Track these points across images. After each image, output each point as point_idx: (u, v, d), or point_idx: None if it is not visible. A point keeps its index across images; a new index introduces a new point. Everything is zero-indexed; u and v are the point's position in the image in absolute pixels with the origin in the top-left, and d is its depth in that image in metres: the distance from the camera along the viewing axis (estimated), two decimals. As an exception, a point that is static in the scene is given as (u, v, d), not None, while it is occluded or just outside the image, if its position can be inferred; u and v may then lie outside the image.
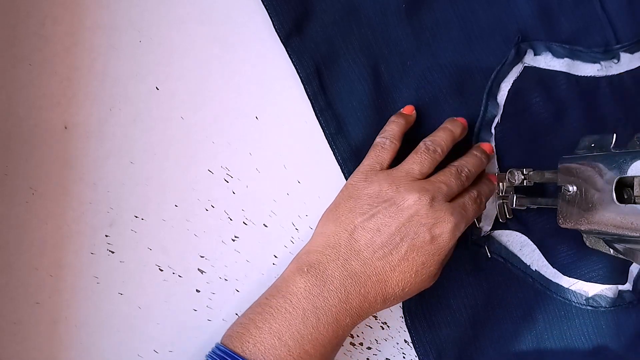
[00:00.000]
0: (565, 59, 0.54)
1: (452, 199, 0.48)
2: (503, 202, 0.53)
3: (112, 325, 0.52)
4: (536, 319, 0.54)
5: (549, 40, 0.54)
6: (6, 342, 0.50)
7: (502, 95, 0.54)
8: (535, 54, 0.54)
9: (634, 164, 0.40)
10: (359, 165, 0.50)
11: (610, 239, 0.44)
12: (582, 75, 0.54)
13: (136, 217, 0.52)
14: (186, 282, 0.53)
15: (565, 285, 0.53)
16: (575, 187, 0.44)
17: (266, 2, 0.52)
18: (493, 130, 0.54)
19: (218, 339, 0.46)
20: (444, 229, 0.46)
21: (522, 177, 0.51)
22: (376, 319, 0.55)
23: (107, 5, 0.51)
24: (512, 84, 0.54)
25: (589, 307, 0.52)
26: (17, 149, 0.50)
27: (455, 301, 0.54)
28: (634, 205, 0.40)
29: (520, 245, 0.54)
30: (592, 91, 0.54)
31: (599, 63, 0.54)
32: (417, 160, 0.49)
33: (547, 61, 0.54)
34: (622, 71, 0.54)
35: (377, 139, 0.51)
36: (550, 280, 0.54)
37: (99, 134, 0.51)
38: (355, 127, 0.54)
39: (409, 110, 0.53)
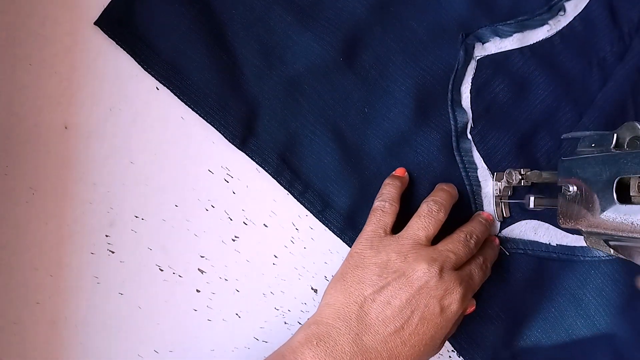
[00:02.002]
0: (515, 34, 0.54)
1: (460, 266, 0.48)
2: (501, 202, 0.54)
3: (112, 325, 0.52)
4: (571, 286, 0.54)
5: (493, 23, 0.53)
6: (6, 342, 0.50)
7: (465, 99, 0.54)
8: (483, 43, 0.54)
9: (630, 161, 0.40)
10: (359, 232, 0.49)
11: (611, 239, 0.45)
12: (535, 42, 0.54)
13: (136, 217, 0.52)
14: (186, 282, 0.53)
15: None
16: (575, 187, 0.44)
17: (210, 120, 0.52)
18: (470, 136, 0.54)
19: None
20: (453, 299, 0.45)
21: (520, 177, 0.51)
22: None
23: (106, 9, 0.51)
24: (471, 83, 0.54)
25: (620, 255, 0.51)
26: (17, 149, 0.50)
27: (492, 308, 0.54)
28: (634, 205, 0.40)
29: (534, 230, 0.54)
30: (548, 53, 0.54)
31: (547, 23, 0.54)
32: (422, 226, 0.48)
33: (497, 45, 0.54)
34: (570, 20, 0.54)
35: (377, 203, 0.50)
36: (575, 247, 0.53)
37: (99, 134, 0.51)
38: (340, 197, 0.53)
39: (401, 172, 0.53)
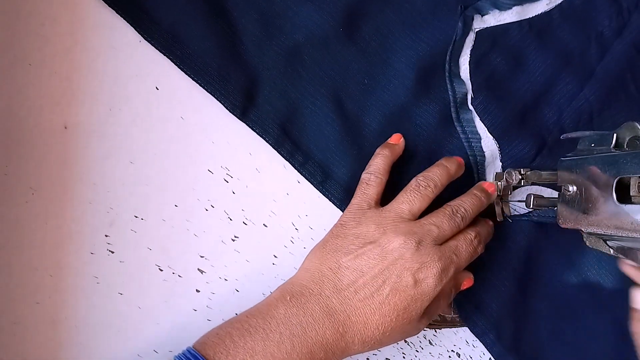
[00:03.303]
0: (514, 7, 0.54)
1: (444, 241, 0.47)
2: (501, 202, 0.54)
3: (112, 325, 0.52)
4: (572, 254, 0.54)
5: None
6: (6, 342, 0.50)
7: (464, 70, 0.54)
8: (482, 15, 0.54)
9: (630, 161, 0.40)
10: None
11: (611, 239, 0.45)
12: (534, 15, 0.54)
13: (136, 217, 0.52)
14: (186, 282, 0.53)
15: None
16: (575, 187, 0.44)
17: (210, 90, 0.51)
18: (471, 107, 0.53)
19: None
20: (429, 274, 0.45)
21: (520, 177, 0.51)
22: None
23: (107, 6, 0.51)
24: (470, 55, 0.53)
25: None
26: (17, 149, 0.50)
27: (496, 277, 0.53)
28: (634, 205, 0.40)
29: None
30: (547, 27, 0.54)
31: None
32: (407, 199, 0.48)
33: (496, 17, 0.54)
34: None
35: (363, 175, 0.50)
36: None
37: (99, 134, 0.51)
38: (339, 168, 0.53)
39: (395, 139, 0.52)
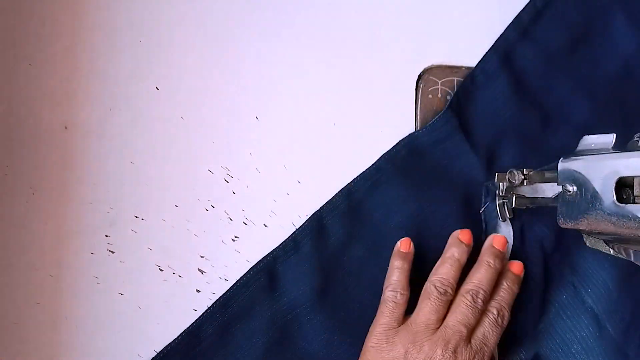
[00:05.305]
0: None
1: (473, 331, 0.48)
2: (503, 202, 0.53)
3: (112, 325, 0.52)
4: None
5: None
6: (6, 342, 0.50)
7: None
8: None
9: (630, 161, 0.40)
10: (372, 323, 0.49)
11: (611, 239, 0.44)
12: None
13: (136, 217, 0.52)
14: (186, 282, 0.53)
15: None
16: (575, 187, 0.44)
17: None
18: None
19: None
20: None
21: (522, 177, 0.51)
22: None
23: (107, 6, 0.51)
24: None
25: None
26: (17, 149, 0.50)
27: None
28: (634, 205, 0.40)
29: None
30: None
31: None
32: (433, 309, 0.48)
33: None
34: None
35: (387, 293, 0.49)
36: None
37: (99, 134, 0.51)
38: None
39: (405, 246, 0.52)
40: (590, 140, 0.45)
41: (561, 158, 0.46)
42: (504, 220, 0.54)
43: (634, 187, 0.40)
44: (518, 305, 0.52)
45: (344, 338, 0.52)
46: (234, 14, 0.53)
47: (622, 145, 0.43)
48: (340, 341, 0.52)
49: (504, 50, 0.55)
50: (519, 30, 0.56)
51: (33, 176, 0.51)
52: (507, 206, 0.53)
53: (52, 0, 0.51)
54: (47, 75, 0.51)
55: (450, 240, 0.52)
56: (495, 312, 0.49)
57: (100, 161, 0.51)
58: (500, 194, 0.53)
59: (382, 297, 0.50)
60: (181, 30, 0.53)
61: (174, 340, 0.51)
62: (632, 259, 0.43)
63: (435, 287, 0.48)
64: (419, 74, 0.56)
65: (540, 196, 0.53)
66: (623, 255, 0.44)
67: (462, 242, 0.51)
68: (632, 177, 0.40)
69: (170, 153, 0.52)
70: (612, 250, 0.45)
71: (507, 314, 0.49)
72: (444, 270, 0.49)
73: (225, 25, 0.53)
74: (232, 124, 0.53)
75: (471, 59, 0.56)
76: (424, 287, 0.49)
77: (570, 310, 0.54)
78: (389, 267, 0.51)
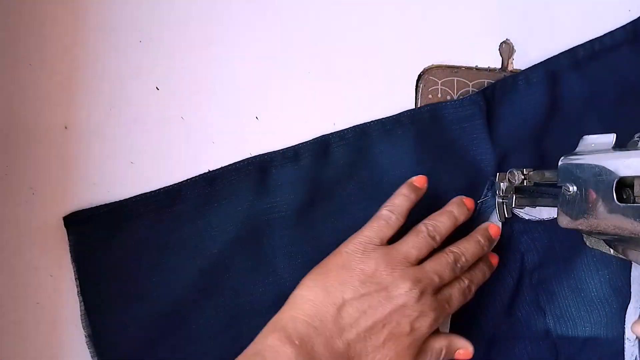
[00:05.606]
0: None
1: (440, 287, 0.48)
2: (503, 202, 0.53)
3: (112, 325, 0.52)
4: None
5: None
6: (6, 342, 0.50)
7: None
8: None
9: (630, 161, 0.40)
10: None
11: (611, 239, 0.44)
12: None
13: (136, 217, 0.52)
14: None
15: None
16: (575, 187, 0.44)
17: None
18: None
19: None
20: (424, 323, 0.46)
21: (522, 177, 0.51)
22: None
23: (107, 6, 0.51)
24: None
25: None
26: (17, 149, 0.50)
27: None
28: (634, 205, 0.40)
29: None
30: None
31: None
32: (417, 245, 0.48)
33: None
34: None
35: (384, 211, 0.49)
36: None
37: (99, 134, 0.51)
38: None
39: (420, 182, 0.51)
40: (590, 140, 0.45)
41: (561, 158, 0.46)
42: (501, 220, 0.54)
43: (634, 187, 0.41)
44: (475, 304, 0.53)
45: (304, 260, 0.52)
46: (234, 13, 0.53)
47: (622, 145, 0.43)
48: (302, 261, 0.52)
49: (553, 70, 0.55)
50: (572, 61, 0.56)
51: (33, 176, 0.50)
52: (506, 206, 0.53)
53: (52, 0, 0.51)
54: (47, 75, 0.50)
55: (453, 199, 0.52)
56: (466, 282, 0.49)
57: (100, 161, 0.51)
58: (501, 193, 0.53)
59: (376, 214, 0.49)
60: (181, 30, 0.53)
61: (151, 192, 0.51)
62: (633, 259, 0.43)
63: (426, 227, 0.49)
64: (419, 74, 0.56)
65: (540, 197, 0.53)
66: (623, 256, 0.44)
67: (464, 204, 0.51)
68: (632, 177, 0.40)
69: (170, 153, 0.52)
70: (612, 250, 0.45)
71: (473, 291, 0.50)
72: (440, 219, 0.50)
73: (225, 25, 0.53)
74: (232, 124, 0.53)
75: (471, 59, 0.56)
76: (415, 226, 0.49)
77: (526, 328, 0.55)
78: (395, 192, 0.50)
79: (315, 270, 0.48)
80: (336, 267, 0.47)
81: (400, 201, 0.49)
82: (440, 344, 0.48)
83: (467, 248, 0.49)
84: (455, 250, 0.49)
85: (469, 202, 0.52)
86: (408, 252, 0.47)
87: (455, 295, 0.48)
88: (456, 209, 0.51)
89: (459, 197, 0.52)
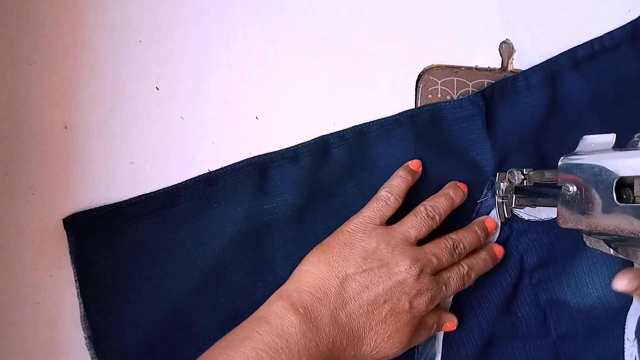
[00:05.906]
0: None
1: (439, 270, 0.49)
2: (503, 202, 0.53)
3: (112, 325, 0.52)
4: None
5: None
6: (6, 342, 0.50)
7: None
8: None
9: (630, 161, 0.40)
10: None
11: (611, 239, 0.44)
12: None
13: (136, 217, 0.52)
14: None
15: None
16: (575, 187, 0.44)
17: None
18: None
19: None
20: (422, 301, 0.47)
21: (522, 177, 0.51)
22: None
23: (107, 6, 0.51)
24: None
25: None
26: (17, 149, 0.50)
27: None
28: (634, 205, 0.40)
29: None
30: None
31: None
32: (416, 225, 0.49)
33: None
34: None
35: (382, 192, 0.51)
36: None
37: (99, 134, 0.51)
38: None
39: (416, 165, 0.53)
40: (590, 140, 0.45)
41: (561, 158, 0.46)
42: (501, 220, 0.54)
43: (634, 187, 0.41)
44: (475, 303, 0.54)
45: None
46: (234, 13, 0.53)
47: (622, 145, 0.43)
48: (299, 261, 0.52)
49: (552, 71, 0.56)
50: (571, 61, 0.56)
51: (33, 176, 0.50)
52: (506, 206, 0.53)
53: (52, 0, 0.51)
54: (47, 75, 0.50)
55: (448, 184, 0.54)
56: (466, 267, 0.50)
57: (100, 161, 0.51)
58: (500, 193, 0.53)
59: (375, 195, 0.51)
60: (181, 30, 0.53)
61: (150, 192, 0.51)
62: (633, 259, 0.43)
63: (425, 208, 0.50)
64: (419, 74, 0.56)
65: (539, 197, 0.53)
66: (623, 256, 0.44)
67: (459, 187, 0.53)
68: (632, 177, 0.40)
69: (170, 153, 0.52)
70: (612, 250, 0.45)
71: (472, 278, 0.51)
72: (438, 200, 0.51)
73: (226, 25, 0.53)
74: (232, 124, 0.53)
75: (471, 59, 0.56)
76: (415, 208, 0.51)
77: (525, 328, 0.55)
78: (393, 175, 0.52)
79: (318, 248, 0.49)
80: (338, 244, 0.48)
81: (397, 182, 0.51)
82: (432, 319, 0.50)
83: (465, 236, 0.51)
84: (454, 237, 0.51)
85: (463, 185, 0.53)
86: (407, 231, 0.49)
87: (454, 278, 0.49)
88: (452, 191, 0.52)
89: (454, 181, 0.54)
